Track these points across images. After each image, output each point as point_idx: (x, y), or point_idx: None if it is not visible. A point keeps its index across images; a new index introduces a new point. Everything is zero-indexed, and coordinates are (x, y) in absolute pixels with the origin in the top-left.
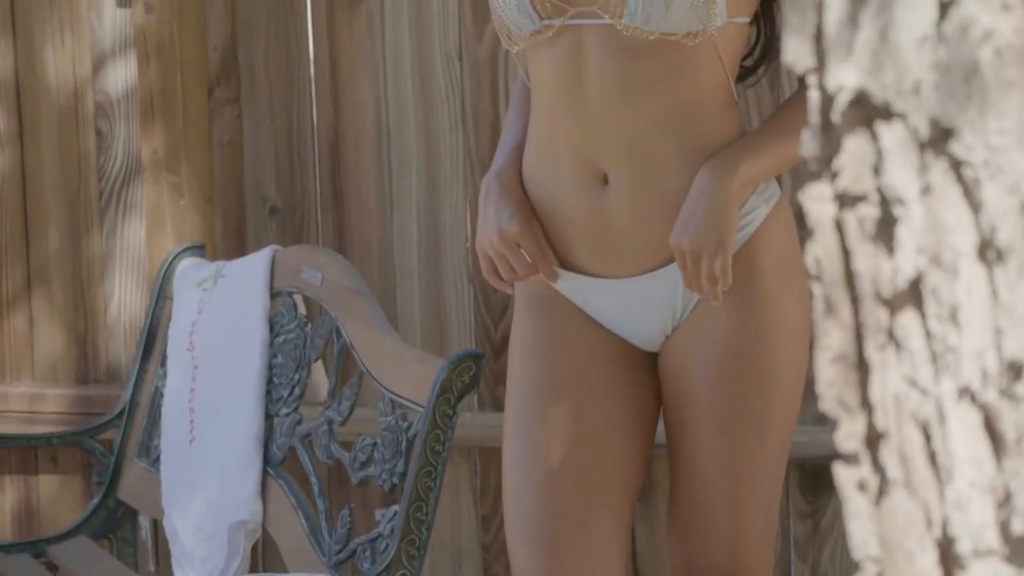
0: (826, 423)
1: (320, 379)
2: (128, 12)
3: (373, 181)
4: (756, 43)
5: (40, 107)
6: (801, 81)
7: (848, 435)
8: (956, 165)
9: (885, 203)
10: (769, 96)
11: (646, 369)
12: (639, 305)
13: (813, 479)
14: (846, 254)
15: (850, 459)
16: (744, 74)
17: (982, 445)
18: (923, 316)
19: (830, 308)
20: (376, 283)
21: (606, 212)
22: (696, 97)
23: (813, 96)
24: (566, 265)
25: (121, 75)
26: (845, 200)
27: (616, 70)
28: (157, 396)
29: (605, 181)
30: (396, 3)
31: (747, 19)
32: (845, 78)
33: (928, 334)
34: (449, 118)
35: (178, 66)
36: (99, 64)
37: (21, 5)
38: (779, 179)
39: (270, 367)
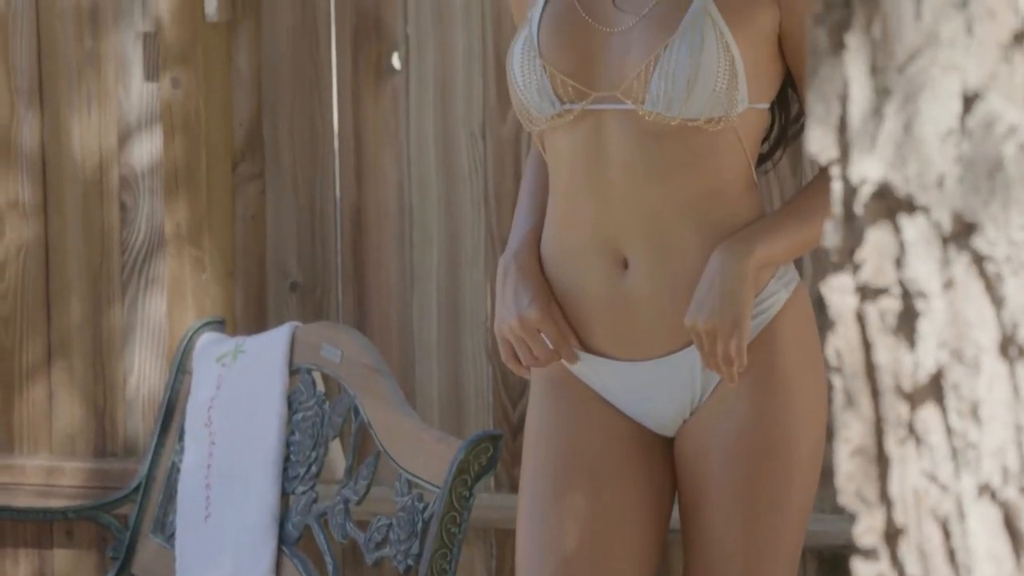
0: (844, 512)
1: (337, 457)
2: (155, 86)
3: (394, 257)
4: (771, 128)
5: (65, 179)
6: (824, 167)
7: (867, 530)
8: (978, 260)
9: (907, 296)
10: (791, 179)
11: (662, 453)
12: (657, 389)
13: (831, 568)
14: (867, 347)
15: (869, 554)
16: (760, 159)
17: (1002, 543)
18: (944, 411)
19: (850, 401)
20: (395, 359)
21: (625, 296)
22: (717, 182)
23: (836, 187)
24: (584, 347)
25: (146, 149)
26: (867, 292)
27: (637, 155)
28: (174, 471)
29: (624, 265)
30: (421, 81)
31: (767, 104)
32: (868, 170)
33: (949, 429)
34: (472, 196)
35: (203, 141)
36: (125, 137)
37: (49, 77)
38: (799, 265)
39: (287, 444)
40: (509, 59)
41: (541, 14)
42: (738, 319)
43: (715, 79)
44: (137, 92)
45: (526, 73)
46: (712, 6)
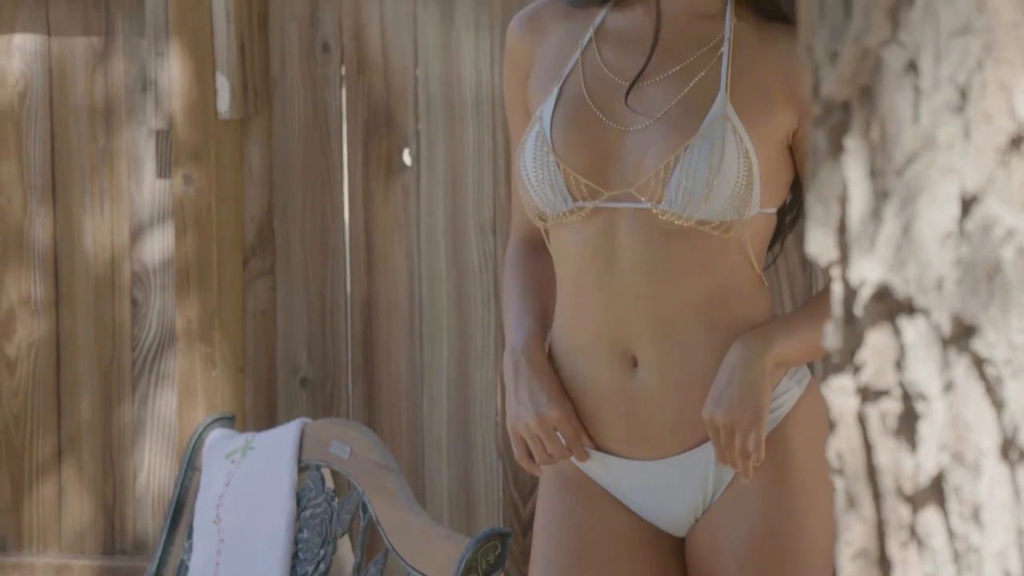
0: None
1: (346, 555)
2: (168, 183)
3: (404, 353)
4: (777, 230)
5: (77, 275)
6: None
7: None
8: (978, 362)
9: (907, 398)
10: (801, 277)
11: (672, 552)
12: (668, 488)
13: None
14: (868, 448)
15: None
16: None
17: None
18: (946, 514)
19: (852, 503)
20: (404, 455)
21: (635, 394)
22: (728, 282)
23: (836, 288)
24: (595, 445)
25: (158, 245)
26: (867, 394)
27: (649, 254)
28: (182, 569)
29: (634, 363)
30: (432, 177)
31: (774, 210)
32: (868, 272)
33: (950, 532)
34: (482, 291)
35: (215, 237)
36: (136, 233)
37: (62, 174)
38: (810, 365)
39: (296, 541)
40: (520, 155)
41: (553, 111)
42: (757, 412)
43: (734, 183)
44: (149, 188)
45: (539, 170)
46: (731, 110)
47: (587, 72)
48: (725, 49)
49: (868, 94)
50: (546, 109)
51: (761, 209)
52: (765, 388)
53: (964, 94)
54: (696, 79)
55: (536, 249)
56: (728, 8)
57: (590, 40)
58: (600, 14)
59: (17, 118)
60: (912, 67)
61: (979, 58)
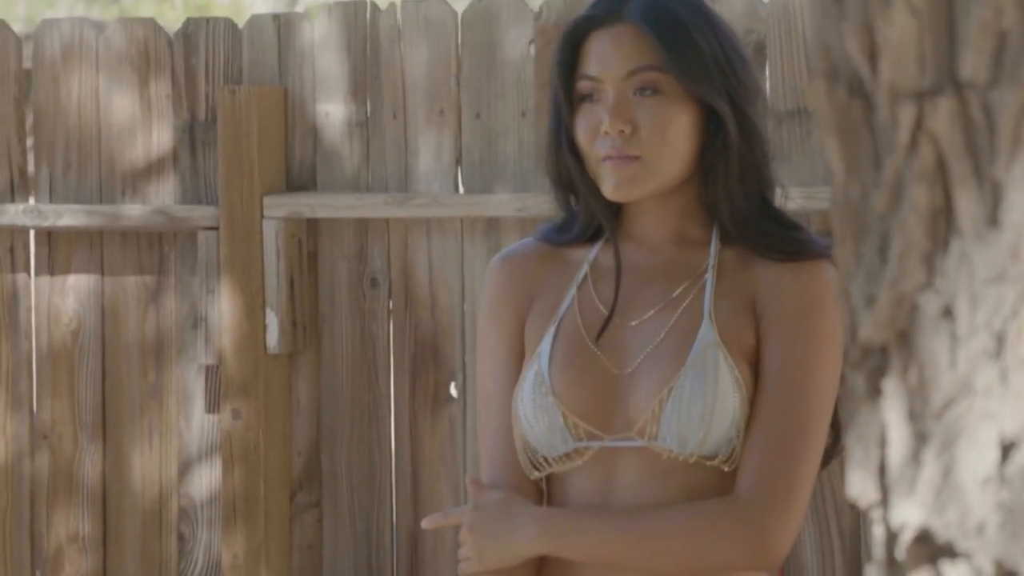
0: None
1: None
2: (216, 418)
3: None
4: None
5: (125, 512)
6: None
7: None
8: None
9: None
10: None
11: None
12: None
13: None
14: None
15: None
16: None
17: None
18: None
19: None
20: None
21: None
22: None
23: (877, 531)
24: None
25: (206, 479)
26: None
27: (651, 493)
28: None
29: None
30: (478, 411)
31: None
32: (909, 515)
33: None
34: None
35: (262, 471)
36: (184, 468)
37: (112, 412)
38: None
39: None
40: (518, 398)
41: (551, 350)
42: (479, 551)
43: (732, 412)
44: (198, 423)
45: (539, 412)
46: (717, 336)
47: (583, 309)
48: (709, 276)
49: (905, 339)
50: (543, 349)
51: None
52: (503, 543)
53: (1001, 340)
54: (681, 308)
55: None
56: (714, 236)
57: (585, 277)
58: (594, 250)
59: (70, 356)
60: (948, 313)
61: (1015, 306)
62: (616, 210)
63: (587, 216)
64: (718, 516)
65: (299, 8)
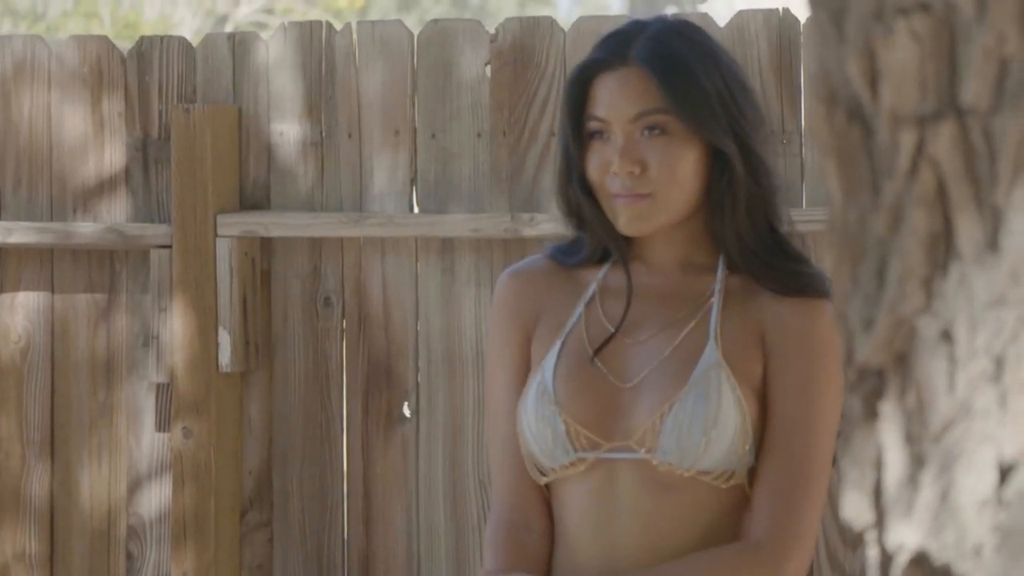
0: None
1: None
2: (166, 436)
3: None
4: None
5: (73, 530)
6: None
7: None
8: None
9: None
10: None
11: None
12: None
13: None
14: None
15: None
16: None
17: None
18: None
19: None
20: None
21: None
22: (729, 529)
23: (872, 553)
24: None
25: (155, 498)
26: None
27: (649, 505)
28: None
29: None
30: (431, 430)
31: None
32: (906, 537)
33: None
34: (480, 545)
35: (212, 490)
36: (134, 487)
37: (61, 429)
38: None
39: None
40: (522, 408)
41: (556, 363)
42: None
43: (733, 432)
44: (148, 442)
45: (540, 420)
46: (720, 357)
47: (590, 327)
48: (715, 300)
49: (903, 362)
50: (548, 362)
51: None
52: None
53: (1000, 364)
54: (687, 329)
55: (520, 535)
56: (720, 262)
57: (593, 296)
58: (602, 270)
59: (19, 374)
60: (947, 336)
61: (1014, 330)
62: (627, 237)
63: (596, 242)
64: (739, 566)
65: (228, 27)
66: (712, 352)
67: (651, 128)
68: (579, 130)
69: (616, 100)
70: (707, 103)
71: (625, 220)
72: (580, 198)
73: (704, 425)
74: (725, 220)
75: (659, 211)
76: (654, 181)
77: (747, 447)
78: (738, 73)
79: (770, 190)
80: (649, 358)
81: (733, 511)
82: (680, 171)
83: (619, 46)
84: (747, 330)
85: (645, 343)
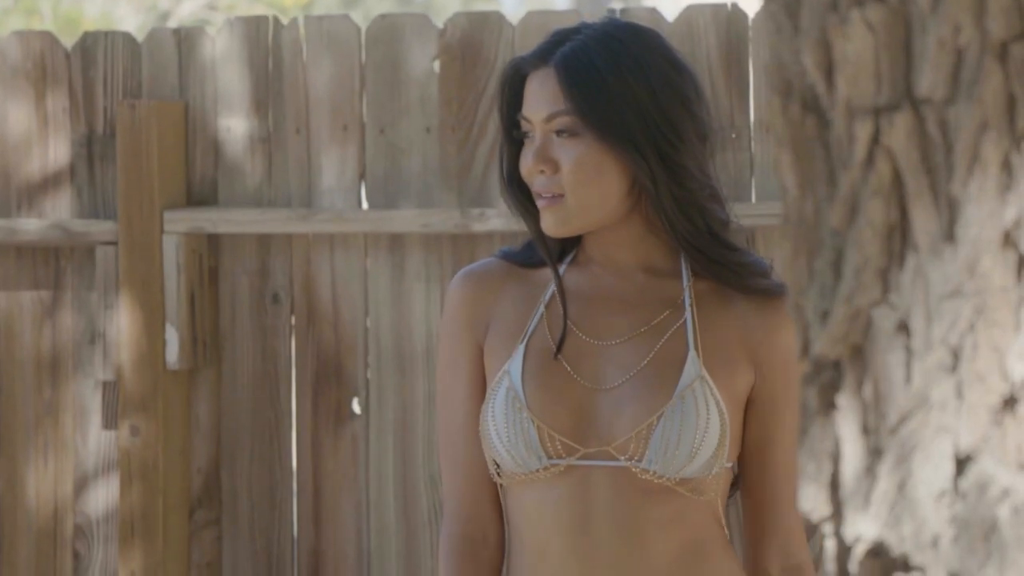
0: None
1: None
2: (113, 434)
3: None
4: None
5: (18, 529)
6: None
7: None
8: None
9: None
10: None
11: None
12: None
13: None
14: None
15: None
16: None
17: None
18: None
19: None
20: None
21: None
22: (701, 537)
23: (829, 545)
24: None
25: (102, 497)
26: None
27: (628, 513)
28: None
29: None
30: (381, 427)
31: (732, 464)
32: (863, 529)
33: None
34: (431, 544)
35: (160, 488)
36: (81, 485)
37: (6, 428)
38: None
39: None
40: (487, 413)
41: (522, 368)
42: None
43: (716, 443)
44: (95, 439)
45: (511, 427)
46: (703, 369)
47: (553, 328)
48: (688, 311)
49: (859, 353)
50: (514, 366)
51: (727, 464)
52: None
53: (956, 355)
54: (665, 337)
55: (477, 551)
56: (684, 268)
57: (552, 296)
58: (560, 270)
59: None
60: (903, 328)
61: (970, 320)
62: (577, 238)
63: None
64: None
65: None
66: (694, 364)
67: (561, 130)
68: (516, 128)
69: (532, 100)
70: (614, 109)
71: (543, 220)
72: (516, 197)
73: (693, 440)
74: (662, 222)
75: (574, 213)
76: (565, 182)
77: (723, 453)
78: (675, 82)
79: (703, 198)
80: (625, 365)
81: (702, 517)
82: (592, 172)
83: (549, 47)
84: (728, 341)
85: (618, 347)
